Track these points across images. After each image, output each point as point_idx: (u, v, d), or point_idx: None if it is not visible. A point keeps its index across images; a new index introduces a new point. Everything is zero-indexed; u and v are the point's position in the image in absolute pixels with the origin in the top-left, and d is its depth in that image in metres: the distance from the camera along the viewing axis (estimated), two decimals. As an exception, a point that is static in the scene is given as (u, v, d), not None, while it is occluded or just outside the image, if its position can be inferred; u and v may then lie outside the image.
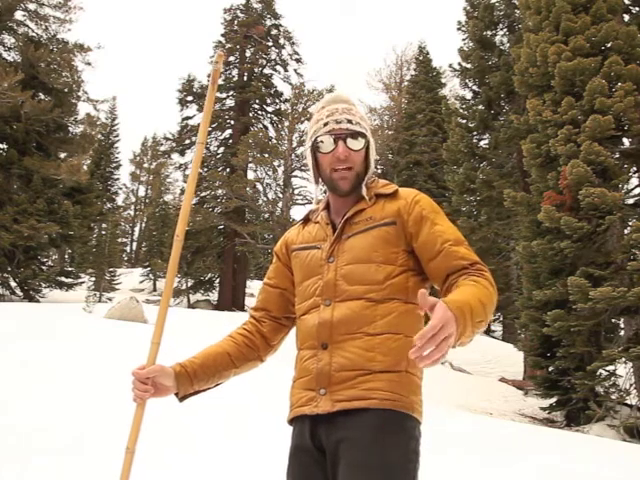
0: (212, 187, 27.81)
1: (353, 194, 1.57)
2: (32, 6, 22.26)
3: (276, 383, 5.03)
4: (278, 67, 31.27)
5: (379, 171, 30.27)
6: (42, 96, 21.49)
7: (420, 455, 1.43)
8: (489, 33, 17.26)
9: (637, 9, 11.88)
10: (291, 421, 1.55)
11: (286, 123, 27.66)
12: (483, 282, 1.39)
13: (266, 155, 26.31)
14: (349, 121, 1.55)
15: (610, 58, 9.97)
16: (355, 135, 1.54)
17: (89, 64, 23.06)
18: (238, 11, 31.31)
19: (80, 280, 24.28)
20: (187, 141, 29.53)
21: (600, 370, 10.13)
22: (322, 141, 1.55)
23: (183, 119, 30.17)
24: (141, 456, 1.78)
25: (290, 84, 30.41)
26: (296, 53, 31.06)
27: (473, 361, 16.29)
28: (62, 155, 22.65)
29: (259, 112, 31.12)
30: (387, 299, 1.46)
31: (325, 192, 1.66)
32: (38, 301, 20.43)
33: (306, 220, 1.69)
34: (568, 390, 10.57)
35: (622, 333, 10.98)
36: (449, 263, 1.44)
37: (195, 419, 4.92)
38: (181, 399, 1.63)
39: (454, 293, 1.33)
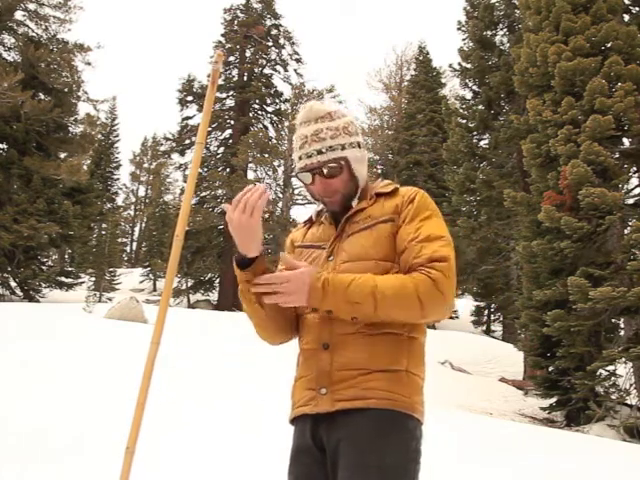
0: (212, 187, 27.79)
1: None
2: (32, 6, 22.26)
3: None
4: (278, 67, 31.27)
5: (379, 171, 30.29)
6: (42, 96, 21.49)
7: (421, 455, 1.43)
8: (489, 33, 17.25)
9: (637, 9, 11.87)
10: (292, 421, 1.55)
11: (286, 123, 27.66)
12: (413, 278, 1.38)
13: (266, 155, 26.30)
14: (319, 151, 1.51)
15: (610, 58, 9.96)
16: (326, 164, 1.51)
17: (89, 64, 23.08)
18: (238, 11, 31.30)
19: (80, 280, 24.28)
20: (187, 141, 29.51)
21: (600, 370, 10.12)
22: (301, 177, 1.57)
23: (183, 119, 30.17)
24: (141, 456, 1.78)
25: (290, 84, 30.42)
26: (296, 53, 31.06)
27: (473, 361, 16.28)
28: (62, 155, 22.65)
29: (259, 112, 31.11)
30: None
31: None
32: (38, 301, 20.43)
33: (311, 221, 1.71)
34: (568, 390, 10.56)
35: (622, 333, 10.97)
36: (410, 261, 1.44)
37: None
38: (244, 261, 1.45)
39: (349, 274, 1.42)
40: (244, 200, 1.40)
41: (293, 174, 26.90)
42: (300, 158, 1.55)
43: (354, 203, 1.56)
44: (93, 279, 28.16)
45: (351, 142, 1.55)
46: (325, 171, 1.52)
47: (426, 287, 1.36)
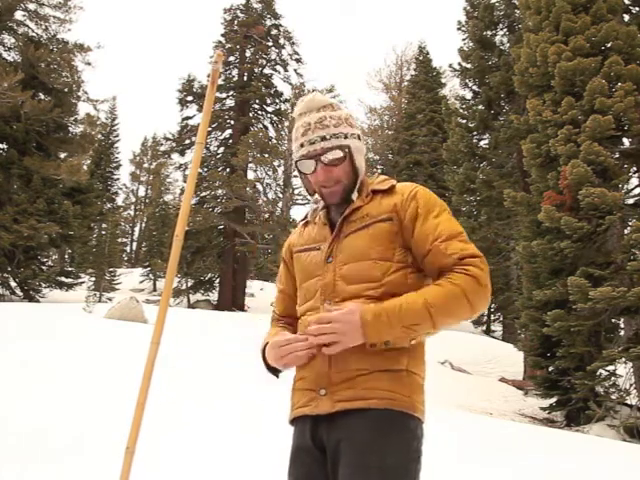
0: (212, 187, 27.77)
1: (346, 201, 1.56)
2: (32, 6, 22.27)
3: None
4: (278, 67, 31.24)
5: (379, 171, 30.29)
6: (42, 96, 21.50)
7: (422, 455, 1.43)
8: (489, 33, 17.25)
9: (637, 9, 11.87)
10: (292, 421, 1.55)
11: (286, 123, 27.65)
12: (456, 280, 1.39)
13: (266, 155, 26.29)
14: (322, 138, 1.50)
15: (610, 58, 9.97)
16: (331, 150, 1.50)
17: (89, 64, 23.10)
18: (238, 11, 31.29)
19: (80, 280, 24.29)
20: (187, 141, 29.49)
21: (600, 370, 10.13)
22: (302, 165, 1.54)
23: (183, 119, 30.15)
24: (141, 456, 1.78)
25: (290, 84, 30.40)
26: (296, 53, 31.04)
27: (473, 361, 16.27)
28: (62, 155, 22.66)
29: (259, 112, 31.10)
30: (386, 296, 1.43)
31: None
32: (38, 301, 20.43)
33: (306, 221, 1.69)
34: (568, 390, 10.57)
35: (622, 333, 10.98)
36: (439, 262, 1.43)
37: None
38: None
39: (393, 299, 1.41)
40: (290, 354, 1.45)
41: (293, 174, 26.92)
42: (302, 145, 1.53)
43: (354, 196, 1.54)
44: (93, 279, 28.16)
45: (352, 133, 1.55)
46: (328, 158, 1.50)
47: (470, 286, 1.38)
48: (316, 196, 1.65)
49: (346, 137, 1.53)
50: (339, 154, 1.51)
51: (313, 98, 1.58)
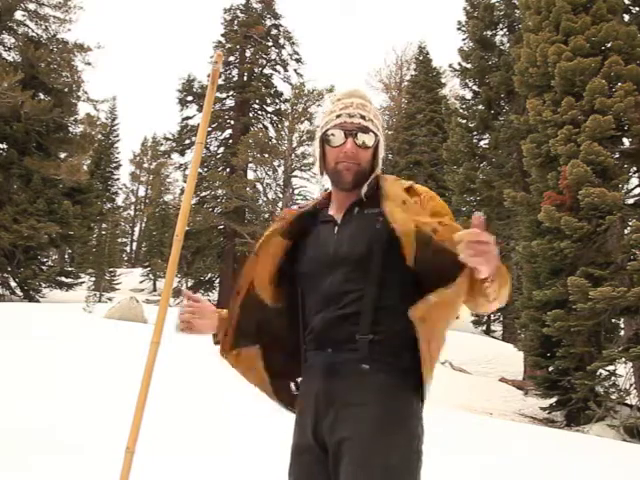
0: (212, 187, 27.80)
1: (355, 190, 1.55)
2: (32, 6, 22.30)
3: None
4: (278, 67, 31.28)
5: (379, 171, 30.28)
6: (42, 96, 21.51)
7: (423, 454, 1.43)
8: (489, 33, 17.26)
9: (637, 9, 11.88)
10: (295, 419, 1.55)
11: (286, 123, 27.65)
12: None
13: (266, 155, 26.30)
14: (362, 117, 1.53)
15: (610, 58, 9.98)
16: (366, 131, 1.52)
17: (89, 64, 23.12)
18: (238, 11, 31.32)
19: (80, 280, 24.30)
20: (187, 141, 29.52)
21: (600, 370, 10.14)
22: (332, 134, 1.53)
23: (183, 119, 30.19)
24: (141, 456, 1.77)
25: (290, 84, 30.42)
26: (296, 53, 31.07)
27: (473, 361, 16.29)
28: (62, 155, 22.68)
29: (259, 112, 31.12)
30: None
31: (325, 191, 1.66)
32: (38, 301, 20.43)
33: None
34: (568, 390, 10.57)
35: (622, 333, 10.98)
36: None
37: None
38: (216, 343, 1.63)
39: None
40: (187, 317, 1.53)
41: (293, 174, 26.93)
42: (339, 116, 1.54)
43: (364, 190, 1.54)
44: (93, 279, 28.18)
45: (381, 132, 1.59)
46: (363, 133, 1.52)
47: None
48: (323, 185, 1.65)
49: (378, 130, 1.57)
50: (372, 139, 1.54)
51: (357, 89, 1.63)
